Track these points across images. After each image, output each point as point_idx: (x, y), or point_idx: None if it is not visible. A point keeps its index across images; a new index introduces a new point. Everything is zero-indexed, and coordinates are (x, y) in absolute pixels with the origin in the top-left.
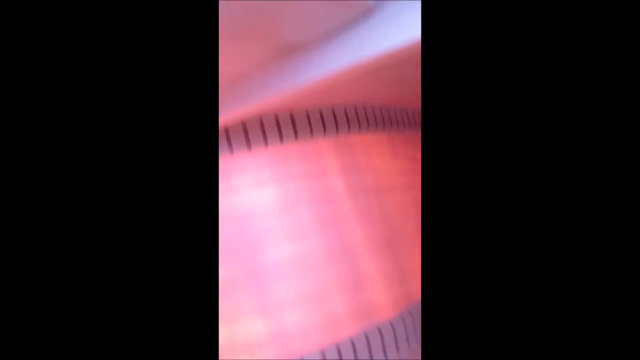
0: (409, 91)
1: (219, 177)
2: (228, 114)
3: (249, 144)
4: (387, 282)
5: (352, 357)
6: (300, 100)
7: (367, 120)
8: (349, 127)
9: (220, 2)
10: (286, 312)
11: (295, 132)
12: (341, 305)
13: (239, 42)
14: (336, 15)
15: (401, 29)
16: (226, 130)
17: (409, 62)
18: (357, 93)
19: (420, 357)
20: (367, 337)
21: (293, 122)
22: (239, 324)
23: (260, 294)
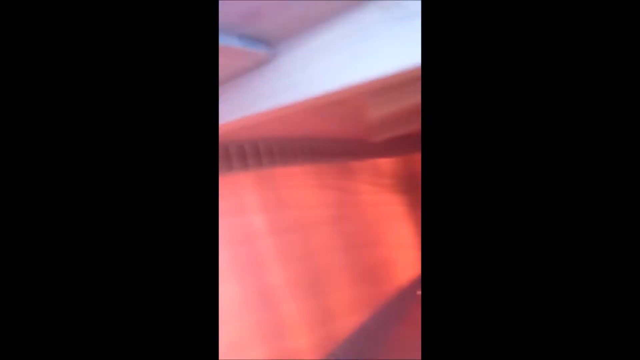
0: (338, 124)
1: None
2: None
3: None
4: (309, 326)
5: None
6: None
7: (293, 152)
8: (273, 160)
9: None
10: None
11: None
12: (259, 354)
13: None
14: (231, 65)
15: (294, 80)
16: None
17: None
18: (280, 128)
19: None
20: None
21: None
22: None
23: None
